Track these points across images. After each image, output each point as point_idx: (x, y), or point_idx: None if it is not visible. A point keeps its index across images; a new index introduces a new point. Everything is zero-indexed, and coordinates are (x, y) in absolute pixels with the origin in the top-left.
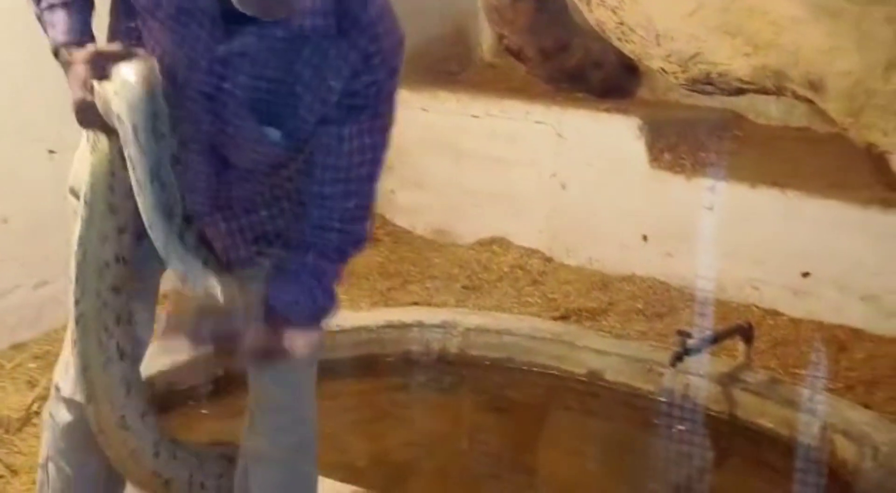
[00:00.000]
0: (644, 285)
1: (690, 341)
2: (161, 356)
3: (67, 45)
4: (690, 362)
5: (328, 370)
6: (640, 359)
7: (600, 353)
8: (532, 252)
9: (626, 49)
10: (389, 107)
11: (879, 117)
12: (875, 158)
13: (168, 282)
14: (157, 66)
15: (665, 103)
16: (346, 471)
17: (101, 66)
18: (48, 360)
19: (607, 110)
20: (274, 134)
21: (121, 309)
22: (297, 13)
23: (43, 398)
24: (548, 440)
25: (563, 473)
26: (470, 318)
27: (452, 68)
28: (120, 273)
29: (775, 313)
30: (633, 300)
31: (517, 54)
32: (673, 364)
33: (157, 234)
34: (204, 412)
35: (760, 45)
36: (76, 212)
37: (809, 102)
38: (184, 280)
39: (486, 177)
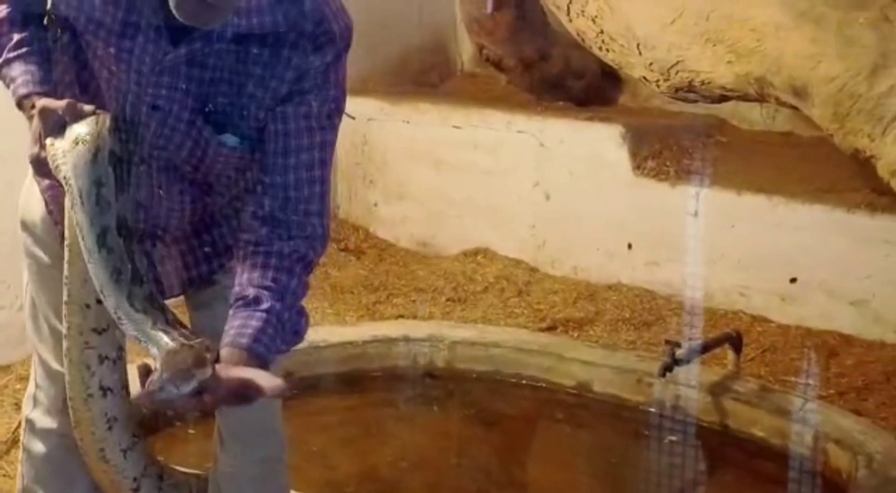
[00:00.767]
0: (630, 294)
1: (679, 352)
2: None
3: (28, 96)
4: (679, 372)
5: (314, 387)
6: (629, 370)
7: (588, 364)
8: (517, 263)
9: (608, 58)
10: (338, 91)
11: (865, 122)
12: (861, 162)
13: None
14: (108, 123)
15: (648, 110)
16: (333, 489)
17: (53, 122)
18: None
19: (589, 119)
20: (232, 140)
21: (106, 348)
22: (242, 12)
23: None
24: (537, 454)
25: (553, 487)
26: (456, 331)
27: (433, 79)
28: (102, 315)
29: (764, 320)
30: (619, 309)
31: (497, 64)
32: (662, 375)
33: (107, 300)
34: (191, 432)
35: (742, 53)
36: (28, 249)
37: (794, 108)
38: (138, 342)
39: (468, 188)
